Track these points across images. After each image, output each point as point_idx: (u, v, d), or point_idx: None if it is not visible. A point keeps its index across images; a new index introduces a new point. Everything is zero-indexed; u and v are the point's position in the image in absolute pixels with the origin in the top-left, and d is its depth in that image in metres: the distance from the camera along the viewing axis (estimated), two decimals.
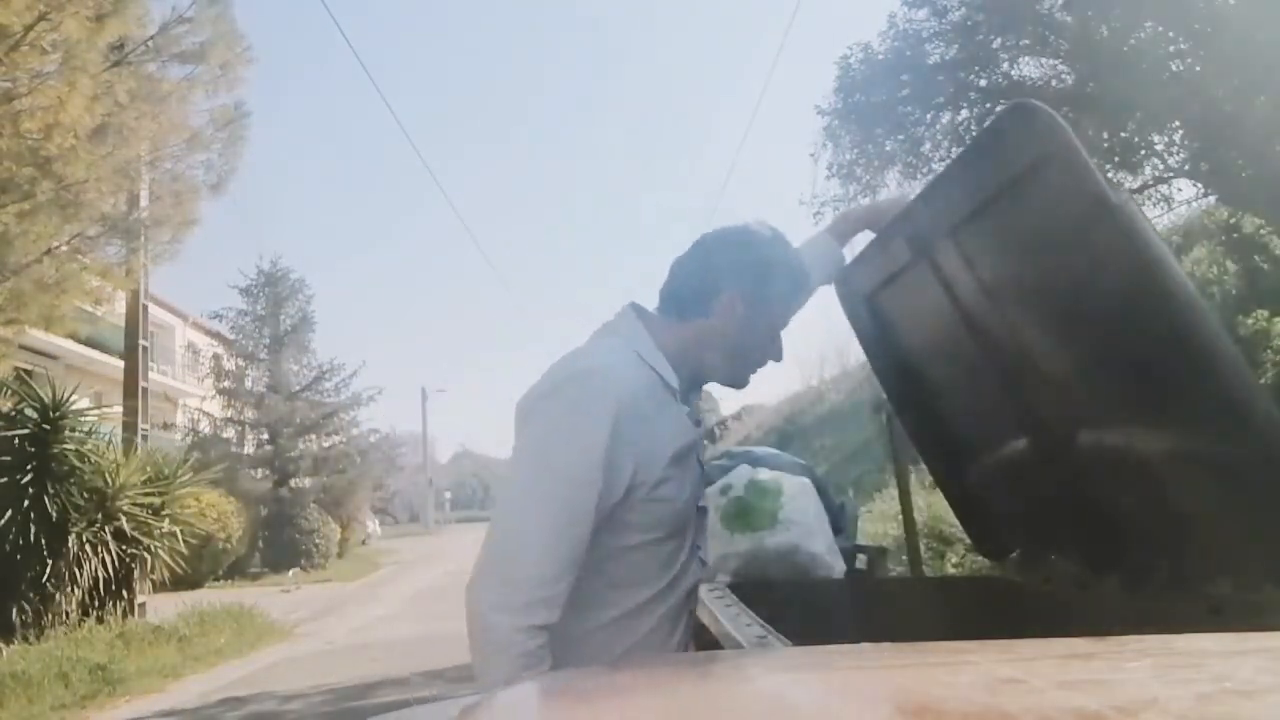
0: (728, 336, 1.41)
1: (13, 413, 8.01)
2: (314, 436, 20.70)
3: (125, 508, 8.38)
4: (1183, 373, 1.13)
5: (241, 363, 20.24)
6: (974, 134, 8.69)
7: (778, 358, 1.48)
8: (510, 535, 1.23)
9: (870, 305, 1.88)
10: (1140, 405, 1.31)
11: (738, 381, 1.48)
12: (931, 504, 8.63)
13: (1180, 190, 8.66)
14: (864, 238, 1.81)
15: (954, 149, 8.69)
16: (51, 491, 7.70)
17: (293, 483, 19.47)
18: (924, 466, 2.20)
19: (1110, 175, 8.16)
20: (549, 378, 1.30)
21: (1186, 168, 7.90)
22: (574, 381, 1.28)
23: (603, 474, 1.22)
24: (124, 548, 8.42)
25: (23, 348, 10.41)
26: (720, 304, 1.41)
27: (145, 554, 8.73)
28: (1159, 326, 1.12)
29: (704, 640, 1.70)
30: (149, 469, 9.16)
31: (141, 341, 10.16)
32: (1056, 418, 1.52)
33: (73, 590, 7.95)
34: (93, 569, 7.97)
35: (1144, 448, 1.35)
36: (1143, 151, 7.97)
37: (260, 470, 19.54)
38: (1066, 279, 1.29)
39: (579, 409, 1.25)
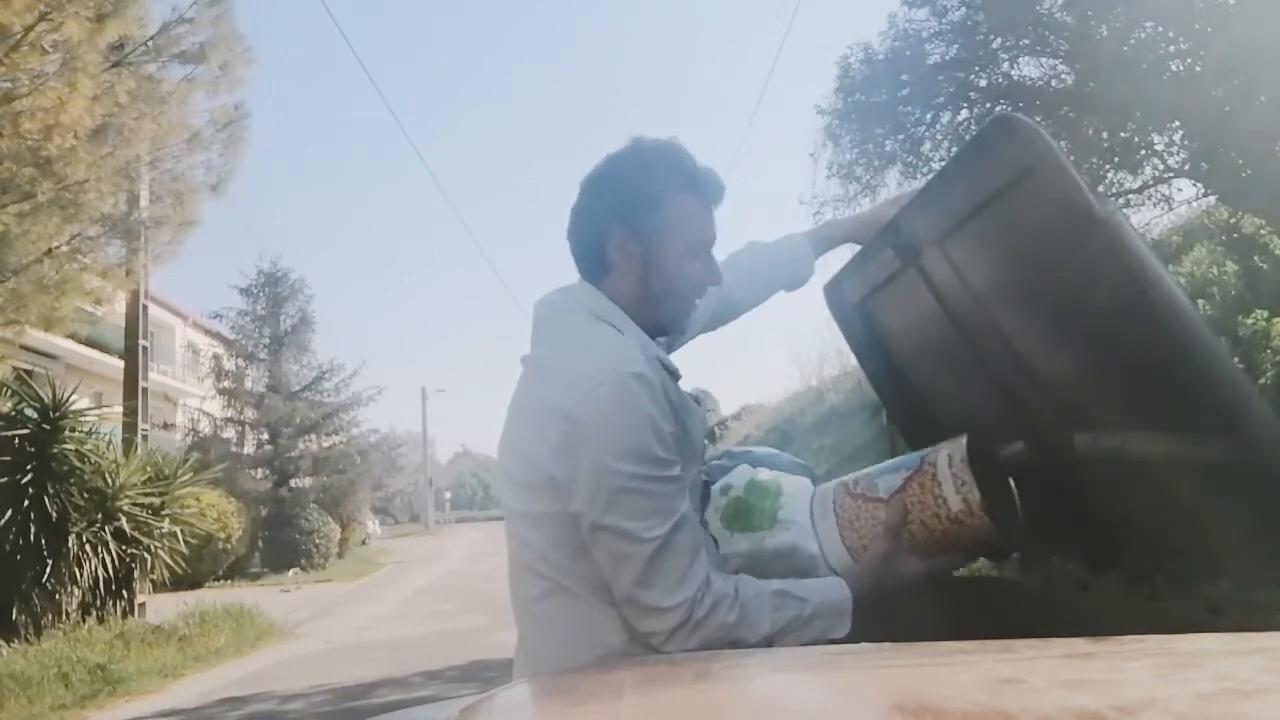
0: (641, 283, 1.24)
1: (13, 413, 8.01)
2: (314, 436, 20.67)
3: (125, 508, 8.38)
4: (1176, 379, 1.14)
5: (241, 363, 20.22)
6: (971, 136, 8.67)
7: (716, 279, 1.30)
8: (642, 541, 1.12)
9: (861, 313, 1.88)
10: (1135, 411, 1.32)
11: (677, 327, 1.32)
12: None
13: (1180, 190, 8.67)
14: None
15: (954, 149, 8.69)
16: (51, 491, 7.69)
17: (293, 483, 19.46)
18: None
19: (1110, 175, 8.16)
20: (589, 380, 1.12)
21: (1186, 168, 7.90)
22: (623, 383, 1.12)
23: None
24: (124, 548, 8.42)
25: (23, 348, 10.41)
26: (612, 253, 1.24)
27: (145, 554, 8.73)
28: (1150, 335, 1.12)
29: None
30: (149, 469, 9.16)
31: (141, 341, 10.17)
32: (1052, 422, 1.52)
33: (73, 590, 7.95)
34: (93, 569, 7.97)
35: (1141, 451, 1.35)
36: (1143, 151, 7.97)
37: (260, 470, 19.54)
38: (1055, 290, 1.29)
39: (641, 408, 1.12)
